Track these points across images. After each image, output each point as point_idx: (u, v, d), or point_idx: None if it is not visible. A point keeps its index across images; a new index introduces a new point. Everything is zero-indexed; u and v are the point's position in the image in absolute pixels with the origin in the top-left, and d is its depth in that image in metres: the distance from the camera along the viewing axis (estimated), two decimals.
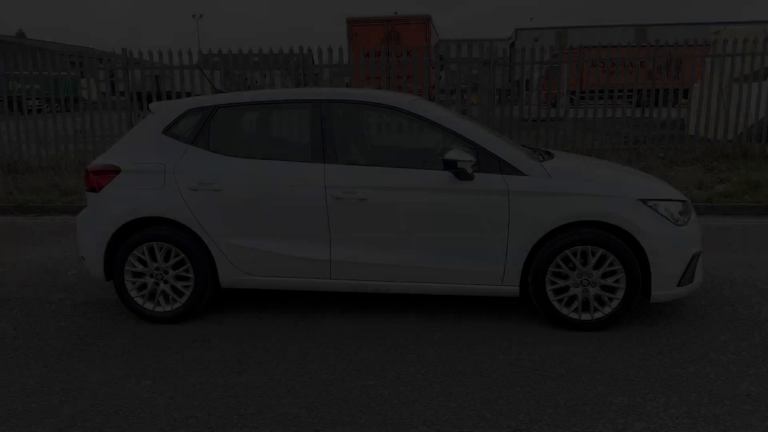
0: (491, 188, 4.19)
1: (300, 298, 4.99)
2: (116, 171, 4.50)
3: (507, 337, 4.19)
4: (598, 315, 4.24)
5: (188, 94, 11.33)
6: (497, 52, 11.63)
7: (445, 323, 4.45)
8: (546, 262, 4.19)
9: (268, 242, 4.38)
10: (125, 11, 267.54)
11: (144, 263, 4.50)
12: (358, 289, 4.42)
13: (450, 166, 4.09)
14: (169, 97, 12.03)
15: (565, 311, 4.26)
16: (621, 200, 4.14)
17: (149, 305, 4.52)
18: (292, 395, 3.48)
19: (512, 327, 4.36)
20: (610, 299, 4.23)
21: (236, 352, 4.04)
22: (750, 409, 3.24)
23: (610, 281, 4.20)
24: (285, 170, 4.35)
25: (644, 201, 4.16)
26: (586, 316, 4.25)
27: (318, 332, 4.34)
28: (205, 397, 3.47)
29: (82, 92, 13.61)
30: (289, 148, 4.49)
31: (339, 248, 4.34)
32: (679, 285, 4.23)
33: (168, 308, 4.51)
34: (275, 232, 4.37)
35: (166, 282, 4.49)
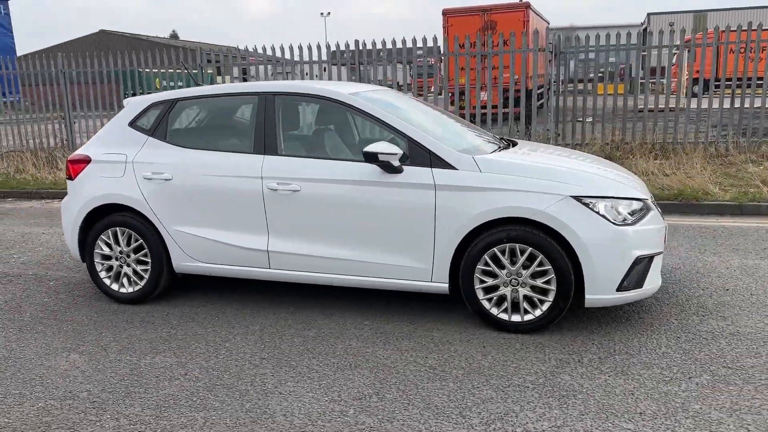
0: (418, 182, 4.09)
1: (258, 287, 5.14)
2: (88, 161, 4.87)
3: (432, 336, 4.09)
4: (528, 317, 4.03)
5: None
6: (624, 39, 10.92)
7: (378, 318, 4.41)
8: (475, 259, 4.04)
9: (212, 231, 4.56)
10: (264, 11, 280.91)
11: (110, 247, 4.83)
12: (295, 280, 4.49)
13: (371, 158, 4.03)
14: None
15: (494, 311, 4.09)
16: (549, 197, 3.90)
17: (115, 286, 4.86)
18: (185, 378, 3.63)
19: (448, 325, 4.24)
20: (541, 301, 4.00)
21: (167, 335, 4.26)
22: (631, 429, 2.97)
23: (539, 282, 3.98)
24: (228, 161, 4.49)
25: (578, 198, 3.88)
26: (515, 318, 4.06)
27: (252, 320, 4.46)
28: (112, 375, 3.70)
29: None
30: (235, 140, 4.62)
31: (276, 239, 4.43)
32: (619, 290, 3.91)
33: (131, 290, 4.82)
34: (218, 222, 4.53)
35: (128, 265, 4.81)
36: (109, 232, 4.79)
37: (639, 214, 4.00)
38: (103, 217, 4.82)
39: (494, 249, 3.99)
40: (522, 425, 3.03)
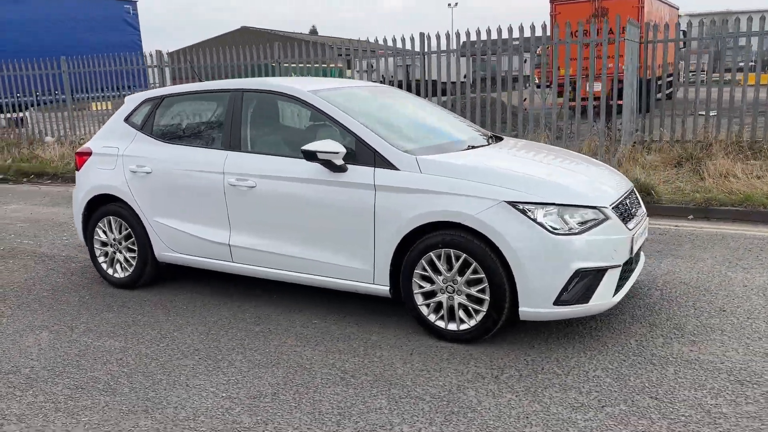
0: (360, 182, 4.02)
1: (243, 280, 5.28)
2: (89, 153, 5.24)
3: (368, 339, 4.02)
4: (463, 326, 3.84)
5: (434, 83, 11.01)
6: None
7: (329, 318, 4.39)
8: (413, 263, 3.91)
9: (185, 224, 4.75)
10: (399, 5, 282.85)
11: (106, 234, 5.18)
12: (254, 275, 4.57)
13: (310, 157, 4.01)
14: (417, 87, 11.34)
15: (432, 318, 3.94)
16: (483, 202, 3.68)
17: (110, 271, 5.21)
18: (117, 363, 3.83)
19: (390, 330, 4.15)
20: (476, 311, 3.80)
21: (132, 320, 4.51)
22: None
23: (474, 291, 3.78)
24: (198, 156, 4.66)
25: (514, 204, 3.64)
26: (452, 326, 3.89)
27: (214, 312, 4.61)
28: (62, 354, 3.99)
29: None
30: (209, 136, 4.77)
31: (236, 233, 4.54)
32: (557, 304, 3.63)
33: (122, 275, 5.14)
34: (190, 215, 4.72)
35: (120, 252, 5.13)
36: (105, 220, 5.14)
37: (590, 224, 3.68)
38: (100, 207, 5.16)
39: (430, 254, 3.84)
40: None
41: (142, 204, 4.90)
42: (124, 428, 3.11)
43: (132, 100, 5.22)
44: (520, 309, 3.67)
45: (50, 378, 3.67)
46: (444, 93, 11.47)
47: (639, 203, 4.42)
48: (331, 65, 12.68)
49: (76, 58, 13.74)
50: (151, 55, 13.27)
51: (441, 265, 3.83)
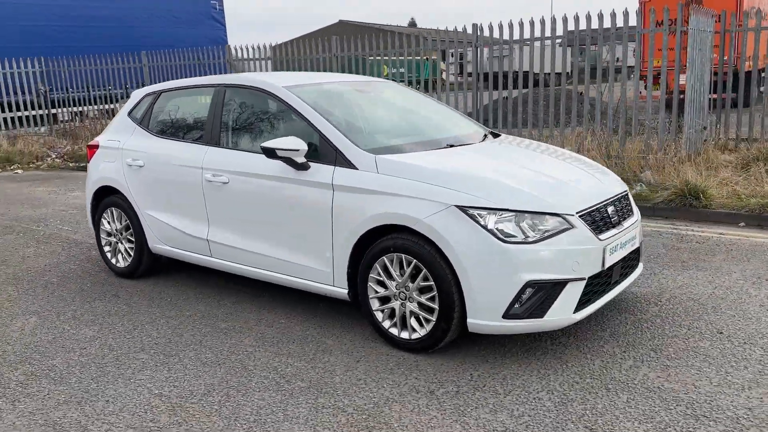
0: (319, 180, 3.92)
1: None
2: (97, 146, 5.43)
3: (323, 343, 3.91)
4: (414, 335, 3.66)
5: (524, 75, 10.16)
6: None
7: (295, 319, 4.32)
8: (368, 267, 3.77)
9: (171, 217, 4.82)
10: None
11: (110, 224, 5.35)
12: (229, 270, 4.57)
13: (269, 154, 3.94)
14: (515, 78, 10.35)
15: (386, 324, 3.78)
16: (432, 205, 3.48)
17: (113, 260, 5.38)
18: (80, 352, 3.94)
19: (349, 335, 4.02)
20: (427, 320, 3.61)
21: (115, 310, 4.63)
22: None
23: (425, 298, 3.59)
24: (182, 151, 4.70)
25: (464, 208, 3.41)
26: (404, 334, 3.71)
27: (191, 306, 4.64)
28: (37, 340, 4.14)
29: (440, 74, 13.75)
30: (196, 131, 4.80)
31: (213, 228, 4.55)
32: (507, 317, 3.38)
33: (123, 265, 5.31)
34: (174, 209, 4.78)
35: (122, 242, 5.29)
36: (108, 211, 5.31)
37: (550, 232, 3.40)
38: (105, 198, 5.34)
39: (384, 258, 3.68)
40: None
41: (137, 196, 5.01)
42: (52, 418, 3.18)
43: (136, 95, 5.35)
44: (468, 320, 3.45)
45: (14, 363, 3.82)
46: (536, 84, 10.70)
47: (630, 210, 4.04)
48: (425, 57, 12.13)
49: (155, 53, 14.34)
50: (254, 48, 12.92)
51: (394, 271, 3.67)
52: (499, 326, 3.41)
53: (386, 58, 11.78)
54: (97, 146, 5.43)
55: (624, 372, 3.39)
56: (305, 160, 3.96)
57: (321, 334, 4.03)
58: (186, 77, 13.95)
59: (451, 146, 4.23)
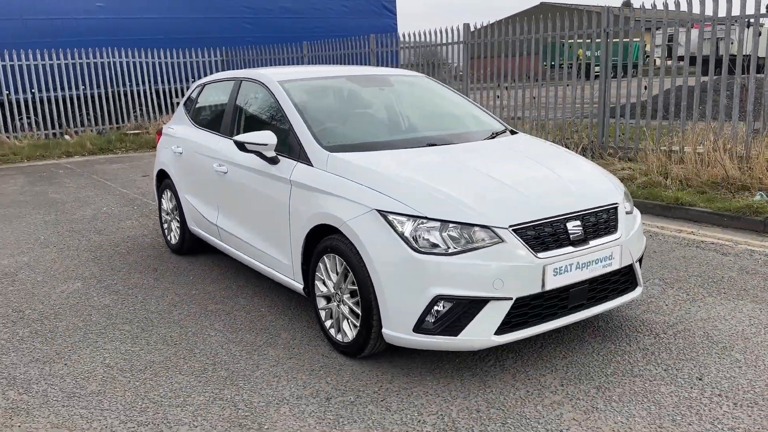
0: (281, 175, 3.97)
1: None
2: (161, 133, 5.95)
3: (276, 335, 3.98)
4: (345, 339, 3.59)
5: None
6: None
7: (266, 308, 4.42)
8: (315, 265, 3.76)
9: (197, 201, 5.16)
10: None
11: (167, 204, 5.87)
12: (233, 256, 4.79)
13: (240, 147, 4.05)
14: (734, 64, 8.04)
15: (327, 324, 3.75)
16: (358, 208, 3.36)
17: (168, 237, 5.90)
18: (80, 317, 4.42)
19: (309, 331, 4.04)
20: (354, 325, 3.51)
21: (143, 283, 5.08)
22: None
23: (352, 303, 3.50)
24: (207, 141, 5.00)
25: (384, 213, 3.26)
26: (339, 336, 3.65)
27: (194, 285, 4.95)
28: (53, 304, 4.71)
29: (646, 58, 12.43)
30: (218, 122, 5.06)
31: (221, 215, 4.80)
32: (418, 331, 3.18)
33: (174, 242, 5.80)
34: (199, 194, 5.11)
35: (174, 221, 5.78)
36: (165, 192, 5.82)
37: (473, 245, 3.14)
38: (163, 180, 5.86)
39: (324, 257, 3.65)
40: None
41: (178, 181, 5.44)
42: (13, 374, 3.59)
43: (192, 86, 5.77)
44: (383, 330, 3.30)
45: (30, 321, 4.37)
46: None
47: (612, 227, 3.54)
48: (635, 40, 10.28)
49: (315, 43, 15.09)
50: (454, 30, 11.58)
51: (331, 271, 3.62)
52: (410, 339, 3.22)
53: (587, 41, 9.82)
54: (160, 133, 5.96)
55: (540, 408, 3.03)
56: (275, 154, 4.02)
57: (283, 327, 4.10)
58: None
59: (432, 145, 4.03)
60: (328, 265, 3.62)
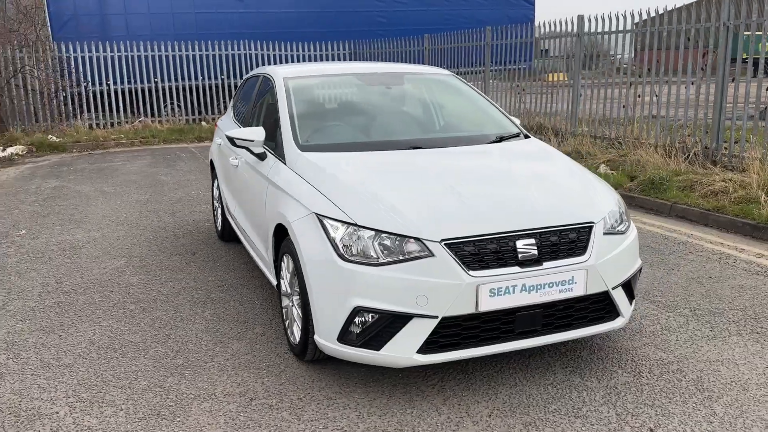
0: (263, 172, 4.02)
1: None
2: (216, 126, 6.24)
3: (251, 330, 4.03)
4: (294, 341, 3.56)
5: None
6: None
7: (259, 301, 4.47)
8: (279, 263, 3.77)
9: (226, 192, 5.36)
10: None
11: (214, 193, 6.15)
12: (245, 246, 4.92)
13: (231, 143, 4.14)
14: None
15: (286, 323, 3.74)
16: (302, 209, 3.32)
17: (217, 224, 6.18)
18: (103, 294, 4.78)
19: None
20: (300, 327, 3.47)
21: (177, 266, 5.37)
22: None
23: (297, 303, 3.46)
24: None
25: (321, 217, 3.19)
26: (292, 338, 3.63)
27: (214, 271, 5.13)
28: (101, 279, 5.13)
29: None
30: (244, 116, 5.19)
31: (236, 206, 4.95)
32: (342, 341, 3.09)
33: (219, 228, 6.07)
34: (227, 185, 5.30)
35: (218, 209, 6.03)
36: (214, 181, 6.10)
37: (402, 257, 2.98)
38: (213, 170, 6.15)
39: (283, 256, 3.64)
40: None
41: (217, 171, 5.68)
42: (4, 338, 4.00)
43: (242, 81, 5.97)
44: (314, 337, 3.24)
45: (64, 293, 4.79)
46: None
47: (580, 249, 3.17)
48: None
49: (436, 35, 14.98)
50: (609, 18, 10.07)
51: (287, 271, 3.60)
52: (335, 349, 3.12)
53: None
54: (216, 126, 6.24)
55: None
56: (263, 150, 4.07)
57: (262, 322, 4.14)
58: (468, 59, 13.92)
59: (416, 148, 3.87)
60: (285, 265, 3.61)
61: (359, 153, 3.76)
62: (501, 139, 4.14)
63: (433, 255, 2.94)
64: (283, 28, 17.21)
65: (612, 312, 3.31)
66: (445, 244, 2.96)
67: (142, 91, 15.55)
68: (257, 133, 4.00)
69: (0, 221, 7.09)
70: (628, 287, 3.38)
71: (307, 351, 3.38)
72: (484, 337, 3.05)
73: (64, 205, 7.88)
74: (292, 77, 4.46)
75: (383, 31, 17.53)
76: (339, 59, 17.25)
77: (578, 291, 3.13)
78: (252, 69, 16.43)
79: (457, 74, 14.21)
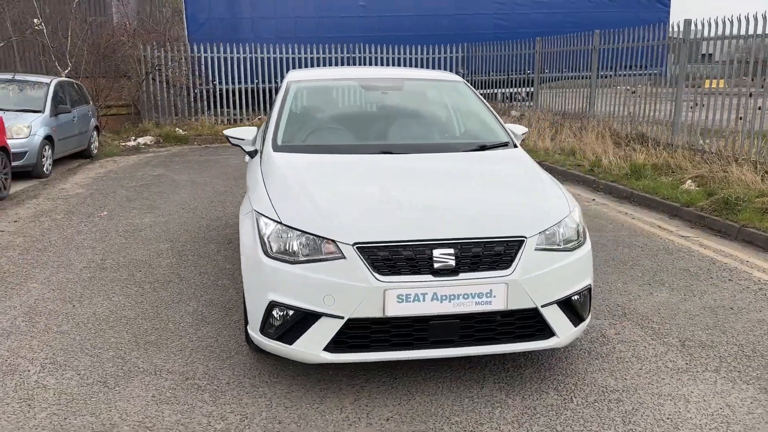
0: (249, 168, 4.25)
1: None
2: None
3: (229, 318, 4.30)
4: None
5: None
6: None
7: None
8: None
9: None
10: None
11: None
12: None
13: (228, 140, 4.43)
14: None
15: None
16: (247, 204, 3.54)
17: None
18: (131, 272, 5.27)
19: None
20: None
21: (206, 252, 5.79)
22: None
23: None
24: None
25: (258, 214, 3.36)
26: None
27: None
28: (135, 260, 5.65)
29: None
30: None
31: None
32: (264, 333, 3.24)
33: None
34: None
35: None
36: None
37: (316, 257, 3.10)
38: None
39: None
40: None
41: None
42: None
43: None
44: (247, 327, 3.42)
45: (92, 268, 5.35)
46: None
47: (504, 262, 3.09)
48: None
49: (548, 38, 14.55)
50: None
51: None
52: (259, 340, 3.28)
53: None
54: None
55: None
56: (254, 149, 4.31)
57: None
58: (584, 62, 13.32)
59: (385, 153, 3.94)
60: None
61: (324, 155, 3.89)
62: (483, 148, 4.08)
63: (344, 257, 3.01)
64: (400, 32, 17.52)
65: (545, 330, 3.19)
66: (357, 247, 3.02)
67: (263, 90, 16.53)
68: (248, 133, 4.25)
69: (94, 203, 7.95)
70: (568, 306, 3.24)
71: (250, 341, 3.56)
72: (395, 342, 3.08)
73: (154, 192, 8.66)
74: (299, 80, 4.67)
75: (503, 33, 17.27)
76: (448, 63, 17.28)
77: (498, 305, 3.05)
78: None
79: (567, 79, 13.62)
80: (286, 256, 3.13)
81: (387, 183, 3.50)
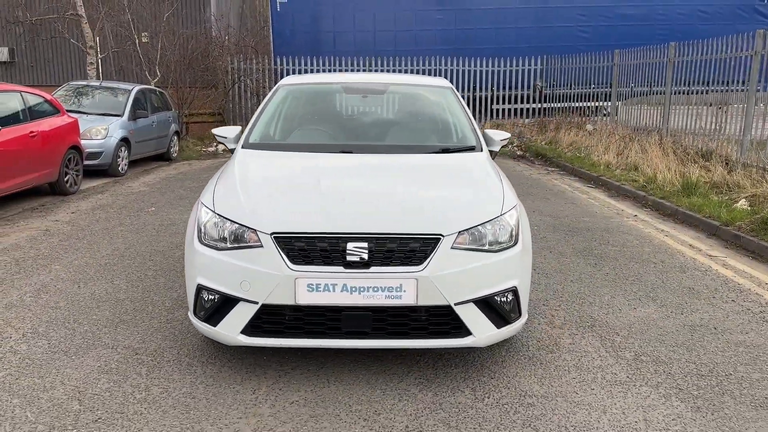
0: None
1: None
2: None
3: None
4: None
5: None
6: None
7: None
8: None
9: None
10: None
11: None
12: None
13: (215, 137, 4.71)
14: None
15: None
16: (200, 196, 3.76)
17: None
18: (144, 260, 5.68)
19: None
20: None
21: None
22: None
23: None
24: None
25: (202, 204, 3.59)
26: None
27: None
28: (157, 249, 6.08)
29: None
30: None
31: None
32: (195, 315, 3.46)
33: None
34: None
35: None
36: None
37: (242, 245, 3.29)
38: None
39: None
40: None
41: None
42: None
43: None
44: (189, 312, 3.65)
45: (115, 254, 5.80)
46: None
47: (418, 258, 3.14)
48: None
49: (626, 51, 14.03)
50: None
51: None
52: (192, 321, 3.49)
53: None
54: None
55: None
56: (235, 146, 4.57)
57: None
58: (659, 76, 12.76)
59: (346, 152, 4.08)
60: None
61: (286, 153, 4.10)
62: (446, 151, 4.12)
63: (262, 246, 3.18)
64: (480, 45, 17.51)
65: (461, 329, 3.20)
66: (274, 237, 3.17)
67: None
68: (229, 131, 4.52)
69: (149, 200, 8.56)
70: (488, 306, 3.23)
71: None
72: (309, 330, 3.19)
73: None
74: (291, 84, 4.91)
75: (584, 46, 16.86)
76: (526, 75, 17.06)
77: (408, 300, 3.11)
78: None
79: (641, 94, 13.09)
80: (217, 243, 3.33)
81: (325, 179, 3.63)
